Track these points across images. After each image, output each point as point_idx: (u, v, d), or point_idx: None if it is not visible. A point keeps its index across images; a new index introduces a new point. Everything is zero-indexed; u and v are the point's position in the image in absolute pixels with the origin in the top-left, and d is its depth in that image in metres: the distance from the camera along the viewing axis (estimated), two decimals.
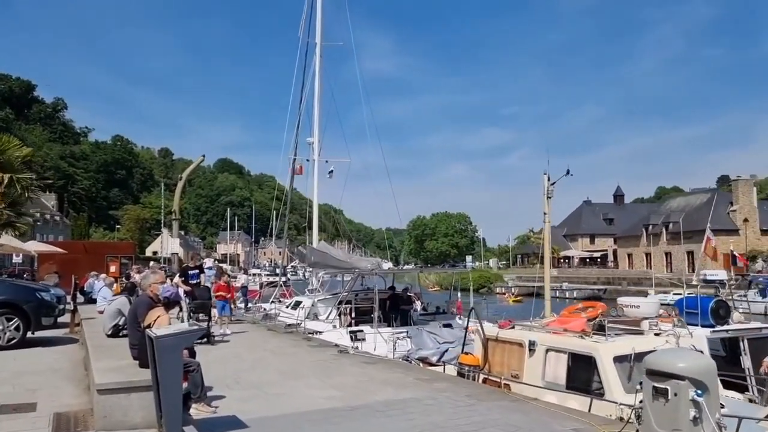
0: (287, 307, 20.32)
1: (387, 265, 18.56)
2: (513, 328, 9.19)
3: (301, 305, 19.38)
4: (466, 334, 9.22)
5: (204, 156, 28.16)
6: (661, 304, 11.80)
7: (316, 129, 23.11)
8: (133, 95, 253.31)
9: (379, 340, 16.26)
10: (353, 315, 18.29)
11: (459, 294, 19.72)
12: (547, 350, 8.24)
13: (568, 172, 13.84)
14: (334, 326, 16.95)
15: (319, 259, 21.39)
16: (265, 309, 21.42)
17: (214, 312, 13.43)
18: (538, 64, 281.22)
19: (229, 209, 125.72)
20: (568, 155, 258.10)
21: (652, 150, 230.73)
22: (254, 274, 59.66)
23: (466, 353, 9.41)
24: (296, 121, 23.22)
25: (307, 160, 23.45)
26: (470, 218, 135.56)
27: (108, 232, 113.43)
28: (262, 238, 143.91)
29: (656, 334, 8.34)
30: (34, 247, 27.86)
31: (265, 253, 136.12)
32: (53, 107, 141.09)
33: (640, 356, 6.33)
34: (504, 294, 60.62)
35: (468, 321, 9.06)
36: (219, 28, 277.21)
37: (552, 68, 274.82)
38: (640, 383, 4.66)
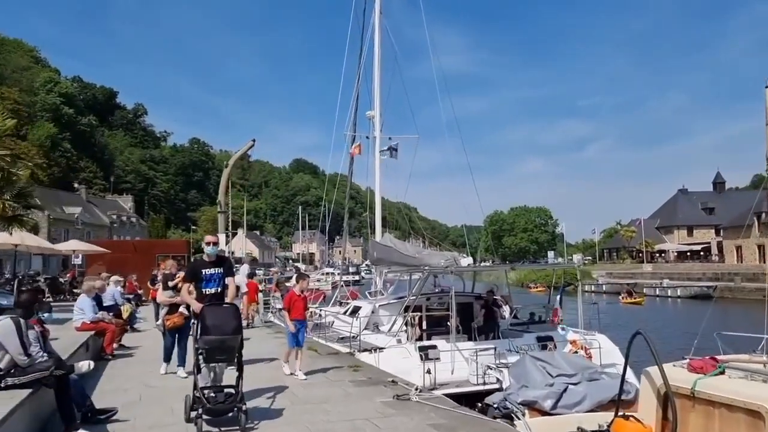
0: (344, 313, 16.61)
1: (466, 261, 14.56)
2: (722, 372, 4.97)
3: (360, 312, 15.65)
4: (623, 380, 4.81)
5: (254, 141, 24.98)
6: None
7: (376, 99, 19.26)
8: (209, 100, 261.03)
9: (458, 358, 12.34)
10: (424, 326, 14.38)
11: (560, 297, 15.34)
12: None
13: None
14: (399, 340, 13.09)
15: (382, 255, 17.66)
16: (319, 315, 17.81)
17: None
18: (619, 53, 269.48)
19: (301, 208, 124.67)
20: (654, 144, 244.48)
21: (749, 136, 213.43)
22: (327, 273, 56.92)
23: (625, 416, 5.25)
24: (352, 91, 19.45)
25: (367, 138, 19.66)
26: (551, 212, 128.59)
27: (185, 233, 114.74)
28: (337, 237, 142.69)
29: None
30: (75, 246, 25.63)
31: (340, 252, 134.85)
32: (134, 113, 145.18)
33: None
34: (621, 296, 48.53)
35: (628, 352, 4.68)
36: (294, 35, 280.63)
37: (633, 56, 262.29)
38: None
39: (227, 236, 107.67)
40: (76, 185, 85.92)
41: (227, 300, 6.85)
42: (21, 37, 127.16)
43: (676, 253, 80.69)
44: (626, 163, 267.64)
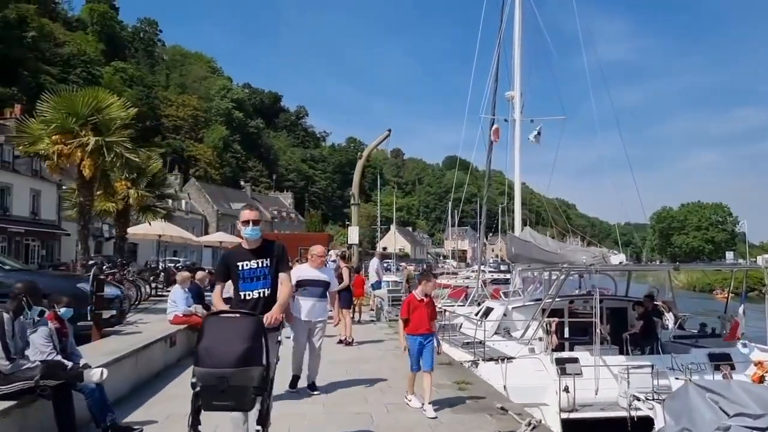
0: (476, 314, 14.98)
1: (617, 258, 12.26)
2: None
3: (492, 313, 13.96)
4: None
5: (390, 131, 24.00)
6: None
7: (517, 76, 17.29)
8: (364, 100, 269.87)
9: (605, 374, 10.26)
10: (565, 333, 12.38)
11: (743, 306, 12.39)
12: None
13: None
14: (532, 349, 11.25)
15: (520, 250, 15.78)
16: (449, 315, 16.37)
17: None
18: None
19: (450, 204, 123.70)
20: None
21: None
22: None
23: None
24: (492, 68, 17.62)
25: (506, 121, 17.74)
26: (729, 209, 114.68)
27: (341, 229, 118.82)
28: (490, 234, 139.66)
29: None
30: (221, 238, 26.58)
31: (493, 249, 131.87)
32: (296, 115, 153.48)
33: None
34: None
35: None
36: (444, 33, 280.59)
37: None
38: None
39: (379, 230, 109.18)
40: (242, 183, 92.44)
41: (277, 308, 4.48)
42: (200, 49, 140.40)
43: None
44: None
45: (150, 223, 16.48)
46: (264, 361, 3.71)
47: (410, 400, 6.46)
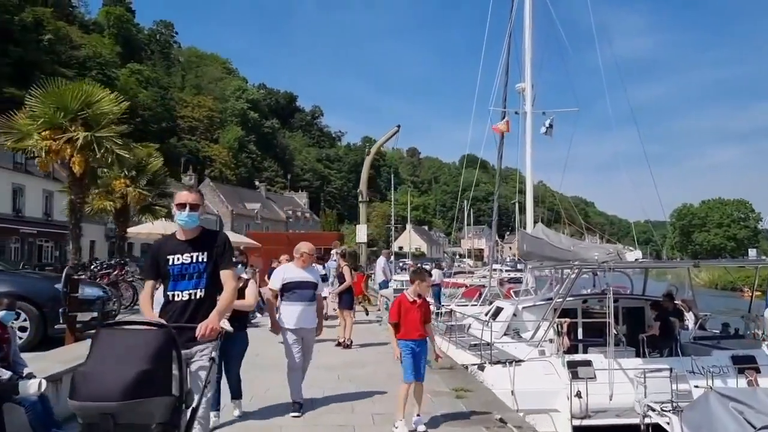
0: (487, 314, 14.37)
1: (633, 255, 11.61)
2: None
3: (502, 313, 13.36)
4: None
5: (399, 127, 23.46)
6: None
7: (527, 68, 16.65)
8: (380, 99, 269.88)
9: (620, 378, 9.64)
10: (579, 335, 11.77)
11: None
12: None
13: None
14: (543, 351, 10.64)
15: (533, 248, 15.17)
16: (457, 315, 15.78)
17: None
18: None
19: (466, 203, 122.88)
20: None
21: None
22: (495, 270, 54.22)
23: None
24: (502, 58, 16.99)
25: (516, 113, 17.10)
26: (752, 205, 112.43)
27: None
28: (507, 233, 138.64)
29: None
30: (232, 238, 26.27)
31: (510, 247, 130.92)
32: (311, 115, 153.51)
33: None
34: None
35: None
36: (461, 33, 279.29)
37: None
38: None
39: (394, 229, 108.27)
40: (257, 183, 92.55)
41: (214, 315, 3.60)
42: (216, 50, 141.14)
43: None
44: None
45: (153, 223, 16.12)
46: (175, 389, 2.79)
47: (397, 427, 5.45)
